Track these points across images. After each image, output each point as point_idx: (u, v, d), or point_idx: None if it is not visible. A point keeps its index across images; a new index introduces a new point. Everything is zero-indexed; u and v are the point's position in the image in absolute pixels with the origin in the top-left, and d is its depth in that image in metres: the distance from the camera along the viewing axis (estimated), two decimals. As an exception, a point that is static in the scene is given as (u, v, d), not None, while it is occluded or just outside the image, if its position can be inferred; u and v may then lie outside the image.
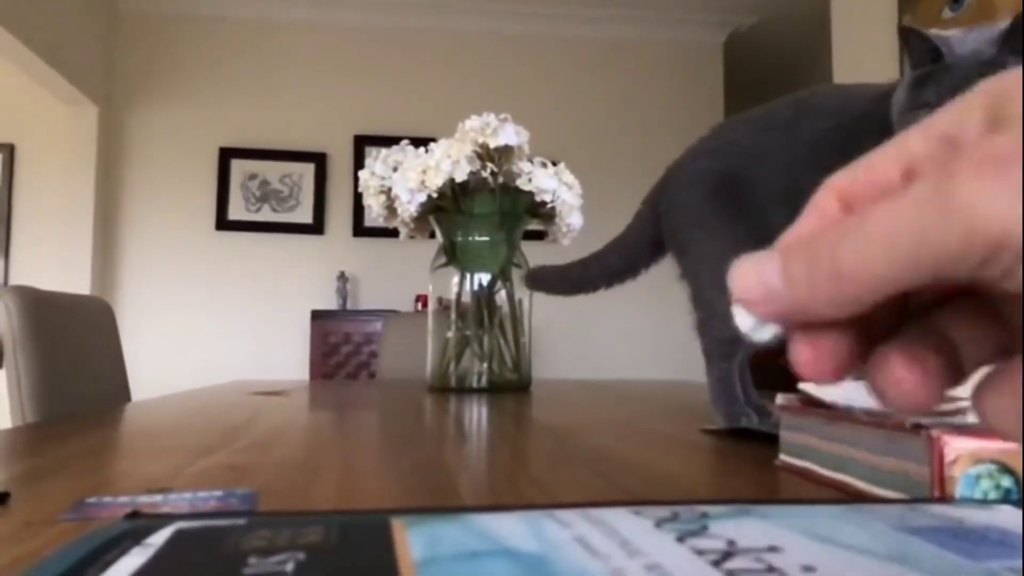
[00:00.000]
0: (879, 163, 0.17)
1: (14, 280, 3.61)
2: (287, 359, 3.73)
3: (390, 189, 1.27)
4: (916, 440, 0.33)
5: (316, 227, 3.85)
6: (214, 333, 3.74)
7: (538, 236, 1.40)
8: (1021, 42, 0.55)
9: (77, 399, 1.27)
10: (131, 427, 0.77)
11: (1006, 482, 0.31)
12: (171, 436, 0.66)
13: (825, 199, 0.18)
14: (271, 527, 0.22)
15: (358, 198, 3.52)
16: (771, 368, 0.77)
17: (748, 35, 4.30)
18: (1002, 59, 0.53)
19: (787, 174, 0.67)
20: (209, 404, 1.01)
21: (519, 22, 4.05)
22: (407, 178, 1.22)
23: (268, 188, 3.83)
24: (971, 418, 0.33)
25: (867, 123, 0.62)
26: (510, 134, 1.22)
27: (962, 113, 0.15)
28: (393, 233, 1.39)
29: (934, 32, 0.57)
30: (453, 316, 1.29)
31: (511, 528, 0.22)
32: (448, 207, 1.26)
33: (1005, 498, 0.31)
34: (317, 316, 3.56)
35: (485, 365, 1.27)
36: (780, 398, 0.48)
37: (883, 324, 0.18)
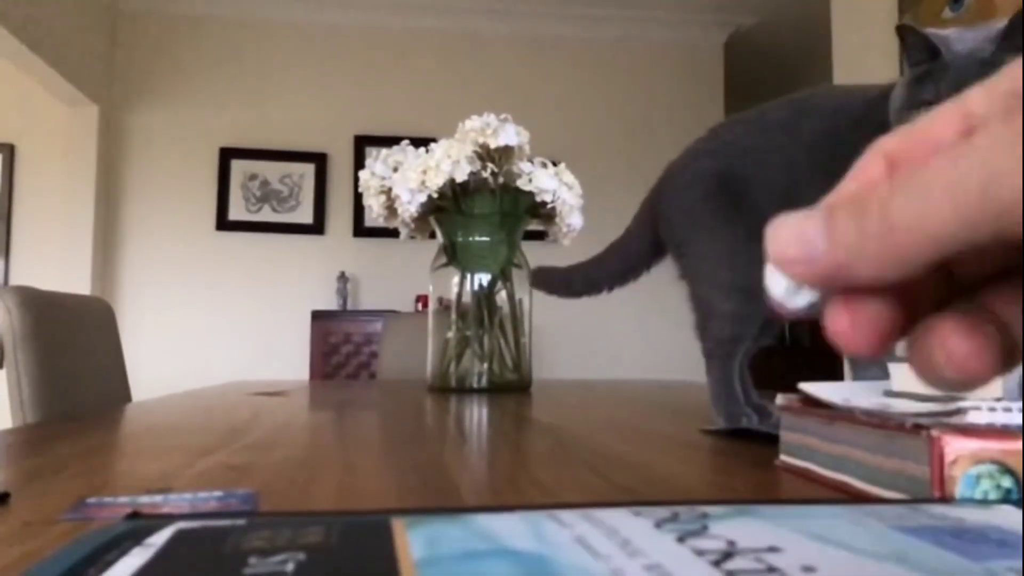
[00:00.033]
0: (934, 122, 0.16)
1: (14, 280, 3.61)
2: (287, 359, 3.73)
3: (390, 189, 1.27)
4: (916, 440, 0.33)
5: (316, 227, 3.85)
6: (214, 333, 3.74)
7: (538, 236, 1.40)
8: (1019, 40, 0.55)
9: (77, 399, 1.27)
10: (131, 427, 0.77)
11: (1006, 482, 0.31)
12: (171, 436, 0.66)
13: (871, 161, 0.17)
14: (271, 527, 0.22)
15: (358, 198, 3.51)
16: (771, 368, 0.77)
17: (749, 35, 4.30)
18: (1000, 57, 0.53)
19: (786, 174, 0.67)
20: (209, 404, 1.01)
21: (519, 22, 4.05)
22: (407, 178, 1.22)
23: (268, 188, 3.83)
24: (971, 418, 0.33)
25: (865, 123, 0.62)
26: (510, 134, 1.22)
27: None
28: (393, 233, 1.39)
29: (931, 31, 0.57)
30: (453, 316, 1.29)
31: (511, 528, 0.22)
32: (448, 207, 1.26)
33: (1005, 498, 0.31)
34: (317, 316, 3.56)
35: (485, 365, 1.27)
36: (780, 398, 0.48)
37: (927, 297, 0.16)
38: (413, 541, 0.21)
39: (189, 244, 3.77)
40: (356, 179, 1.37)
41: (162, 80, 3.83)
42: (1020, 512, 0.26)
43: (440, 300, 1.33)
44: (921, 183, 0.14)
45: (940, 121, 0.16)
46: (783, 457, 0.47)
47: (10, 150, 3.70)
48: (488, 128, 1.22)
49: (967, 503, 0.30)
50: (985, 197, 0.13)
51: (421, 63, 3.99)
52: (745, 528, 0.22)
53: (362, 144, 3.86)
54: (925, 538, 0.22)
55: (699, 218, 0.72)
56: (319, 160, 3.87)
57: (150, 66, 3.83)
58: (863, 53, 2.54)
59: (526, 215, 1.31)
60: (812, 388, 0.44)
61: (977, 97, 0.15)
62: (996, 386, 0.35)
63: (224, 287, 3.77)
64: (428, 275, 1.35)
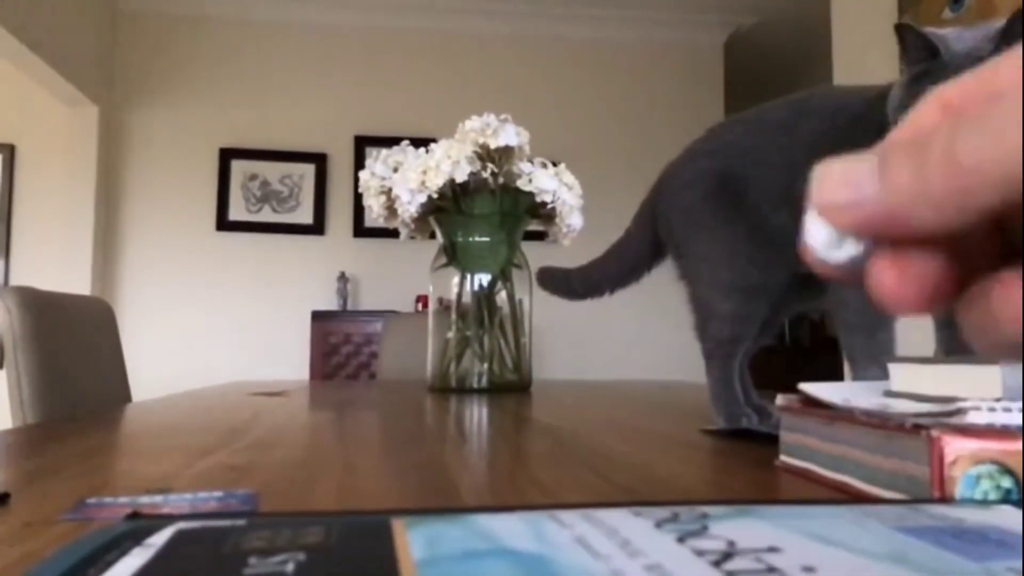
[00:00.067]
0: (997, 69, 0.15)
1: (14, 280, 3.61)
2: (287, 360, 3.73)
3: (390, 190, 1.27)
4: (916, 440, 0.33)
5: (316, 228, 3.85)
6: (214, 334, 3.74)
7: (538, 236, 1.40)
8: (1018, 39, 0.55)
9: (77, 399, 1.27)
10: (131, 427, 0.77)
11: (1006, 483, 0.31)
12: (171, 436, 0.66)
13: (927, 109, 0.16)
14: (271, 528, 0.22)
15: (358, 199, 3.52)
16: (771, 368, 0.77)
17: (749, 36, 4.30)
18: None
19: (785, 175, 0.67)
20: (209, 404, 1.01)
21: (520, 22, 4.05)
22: (407, 179, 1.22)
23: (268, 189, 3.83)
24: (971, 418, 0.33)
25: (864, 124, 0.62)
26: (510, 134, 1.22)
27: None
28: (393, 234, 1.39)
29: (930, 30, 0.57)
30: (453, 316, 1.29)
31: (511, 528, 0.22)
32: (448, 207, 1.26)
33: (1005, 499, 0.31)
34: (317, 316, 3.56)
35: (485, 365, 1.27)
36: (780, 398, 0.48)
37: (982, 255, 0.15)
38: (413, 541, 0.21)
39: (189, 244, 3.77)
40: (356, 179, 1.37)
41: (162, 80, 3.83)
42: (1020, 512, 0.26)
43: (440, 300, 1.33)
44: (990, 119, 0.13)
45: (1003, 68, 0.15)
46: (783, 457, 0.47)
47: (10, 150, 3.70)
48: (488, 128, 1.22)
49: (967, 503, 0.30)
50: None
51: (421, 63, 3.99)
52: (745, 528, 0.22)
53: (362, 144, 3.86)
54: (925, 538, 0.22)
55: (698, 218, 0.72)
56: (319, 160, 3.87)
57: (150, 66, 3.83)
58: (863, 53, 2.54)
59: (526, 215, 1.31)
60: (812, 388, 0.44)
61: None
62: (996, 386, 0.35)
63: (224, 287, 3.77)
64: (428, 275, 1.35)
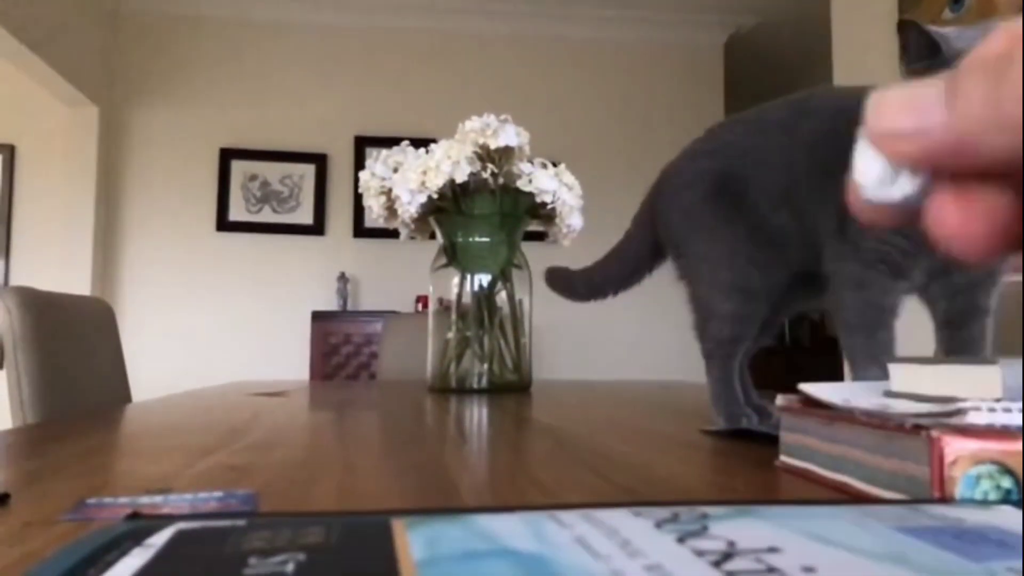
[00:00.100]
0: None
1: (14, 281, 3.61)
2: (287, 360, 3.73)
3: (390, 190, 1.27)
4: (916, 441, 0.33)
5: (316, 228, 3.85)
6: (214, 334, 3.74)
7: (538, 237, 1.40)
8: None
9: (77, 399, 1.27)
10: (131, 427, 0.77)
11: (1006, 483, 0.31)
12: (171, 437, 0.66)
13: (998, 37, 0.14)
14: (271, 528, 0.22)
15: (358, 199, 3.52)
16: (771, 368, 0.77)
17: (749, 36, 4.30)
18: None
19: (785, 175, 0.67)
20: (209, 405, 1.01)
21: (520, 23, 4.05)
22: (407, 179, 1.22)
23: (268, 189, 3.83)
24: (971, 419, 0.33)
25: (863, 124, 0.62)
26: (510, 135, 1.22)
27: None
28: (393, 234, 1.39)
29: (932, 28, 0.57)
30: (453, 317, 1.29)
31: (511, 529, 0.22)
32: (448, 208, 1.26)
33: (1005, 499, 0.31)
34: (317, 317, 3.56)
35: (485, 366, 1.27)
36: (780, 399, 0.48)
37: None
38: (413, 541, 0.21)
39: (189, 244, 3.77)
40: (356, 180, 1.37)
41: (162, 80, 3.83)
42: (1020, 513, 0.26)
43: (440, 301, 1.33)
44: None
45: None
46: (783, 458, 0.47)
47: (10, 151, 3.70)
48: (488, 129, 1.22)
49: (967, 504, 0.30)
50: None
51: (421, 63, 3.99)
52: (745, 529, 0.22)
53: (362, 145, 3.86)
54: (925, 539, 0.22)
55: (698, 218, 0.72)
56: (319, 161, 3.87)
57: (150, 66, 3.83)
58: (863, 53, 2.54)
59: (526, 216, 1.31)
60: (812, 388, 0.44)
61: None
62: (996, 386, 0.35)
63: (224, 288, 3.77)
64: (428, 276, 1.35)
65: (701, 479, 0.47)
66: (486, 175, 1.24)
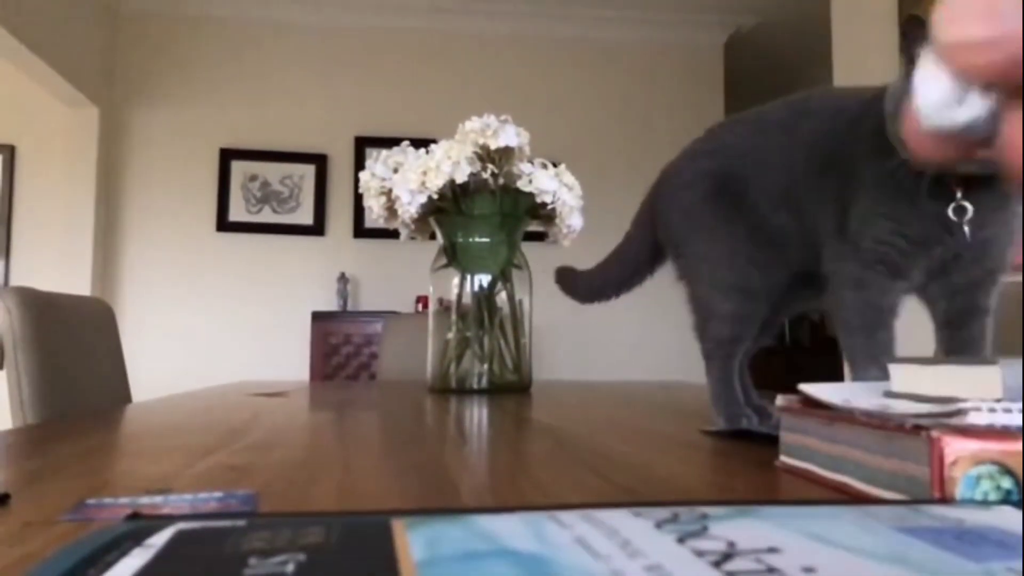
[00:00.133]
0: None
1: (15, 281, 3.62)
2: (287, 360, 3.73)
3: (391, 190, 1.27)
4: (916, 441, 0.33)
5: (317, 228, 3.85)
6: (214, 334, 3.74)
7: (539, 237, 1.40)
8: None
9: (77, 400, 1.27)
10: (131, 428, 0.77)
11: (1006, 483, 0.31)
12: (171, 437, 0.66)
13: None
14: (271, 528, 0.22)
15: (359, 199, 3.52)
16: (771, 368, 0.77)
17: (749, 36, 4.30)
18: None
19: (784, 176, 0.67)
20: (209, 405, 1.01)
21: (520, 23, 4.06)
22: (407, 179, 1.22)
23: (269, 189, 3.84)
24: (971, 419, 0.33)
25: (862, 125, 0.62)
26: (510, 135, 1.22)
27: None
28: (394, 234, 1.39)
29: None
30: (454, 317, 1.29)
31: (511, 529, 0.22)
32: (448, 208, 1.26)
33: (1005, 499, 0.31)
34: (317, 317, 3.56)
35: (485, 366, 1.27)
36: (780, 399, 0.48)
37: None
38: (413, 542, 0.21)
39: (189, 245, 3.77)
40: (356, 180, 1.37)
41: (162, 81, 3.83)
42: (1020, 513, 0.26)
43: (440, 301, 1.33)
44: None
45: None
46: (783, 458, 0.47)
47: (10, 151, 3.71)
48: (488, 129, 1.22)
49: (967, 504, 0.30)
50: None
51: (421, 64, 3.99)
52: (745, 529, 0.22)
53: (362, 145, 3.86)
54: (925, 539, 0.22)
55: (698, 218, 0.72)
56: (319, 161, 3.87)
57: (150, 67, 3.83)
58: (863, 54, 2.54)
59: (526, 216, 1.31)
60: (812, 389, 0.44)
61: None
62: (996, 386, 0.35)
63: (224, 288, 3.78)
64: (428, 276, 1.35)
65: (701, 479, 0.47)
66: (486, 175, 1.24)
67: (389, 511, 0.26)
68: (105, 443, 0.64)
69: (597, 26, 4.10)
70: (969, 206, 0.56)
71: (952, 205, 0.57)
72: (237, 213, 3.80)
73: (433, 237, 1.36)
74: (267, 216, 3.82)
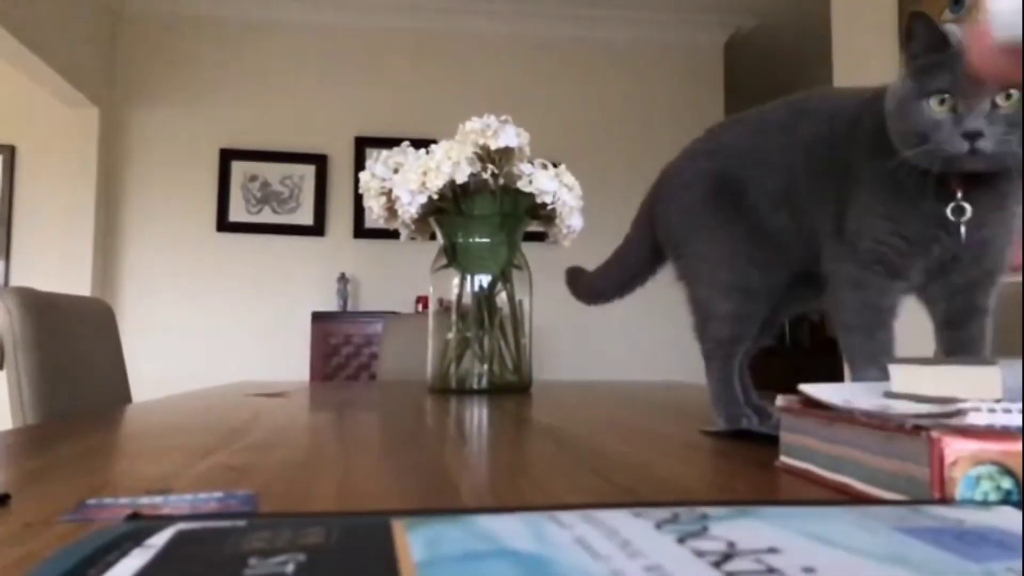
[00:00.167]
0: None
1: (15, 281, 3.61)
2: (288, 360, 3.73)
3: (391, 191, 1.27)
4: (916, 441, 0.33)
5: (317, 228, 3.85)
6: (214, 334, 3.74)
7: (539, 237, 1.40)
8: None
9: (78, 400, 1.27)
10: (131, 428, 0.77)
11: (1006, 484, 0.31)
12: (171, 437, 0.66)
13: None
14: (271, 528, 0.22)
15: (359, 200, 3.51)
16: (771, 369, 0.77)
17: (749, 37, 4.30)
18: None
19: (783, 176, 0.67)
20: (209, 405, 1.01)
21: (520, 23, 4.06)
22: (408, 180, 1.22)
23: (269, 190, 3.83)
24: (971, 419, 0.33)
25: (861, 125, 0.62)
26: (511, 136, 1.22)
27: None
28: (394, 235, 1.39)
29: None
30: (454, 317, 1.29)
31: (512, 529, 0.22)
32: (449, 209, 1.26)
33: (1005, 500, 0.31)
34: (318, 317, 3.56)
35: (486, 366, 1.27)
36: (780, 399, 0.48)
37: None
38: (413, 542, 0.21)
39: (189, 245, 3.77)
40: (356, 180, 1.37)
41: (162, 81, 3.83)
42: (1020, 513, 0.26)
43: (440, 301, 1.33)
44: None
45: None
46: (783, 458, 0.47)
47: (10, 151, 3.70)
48: (488, 129, 1.22)
49: (967, 504, 0.30)
50: None
51: (421, 64, 3.99)
52: (745, 529, 0.22)
53: (362, 145, 3.86)
54: (925, 539, 0.22)
55: (697, 219, 0.72)
56: (319, 161, 3.87)
57: (150, 67, 3.83)
58: (863, 54, 2.54)
59: (526, 216, 1.31)
60: (812, 389, 0.44)
61: None
62: (996, 387, 0.35)
63: (224, 288, 3.77)
64: (428, 276, 1.35)
65: (701, 479, 0.47)
66: (486, 176, 1.24)
67: (389, 511, 0.26)
68: (105, 443, 0.64)
69: (597, 26, 4.10)
70: (968, 206, 0.56)
71: (951, 205, 0.57)
72: (237, 213, 3.80)
73: (433, 237, 1.36)
74: (267, 216, 3.82)
